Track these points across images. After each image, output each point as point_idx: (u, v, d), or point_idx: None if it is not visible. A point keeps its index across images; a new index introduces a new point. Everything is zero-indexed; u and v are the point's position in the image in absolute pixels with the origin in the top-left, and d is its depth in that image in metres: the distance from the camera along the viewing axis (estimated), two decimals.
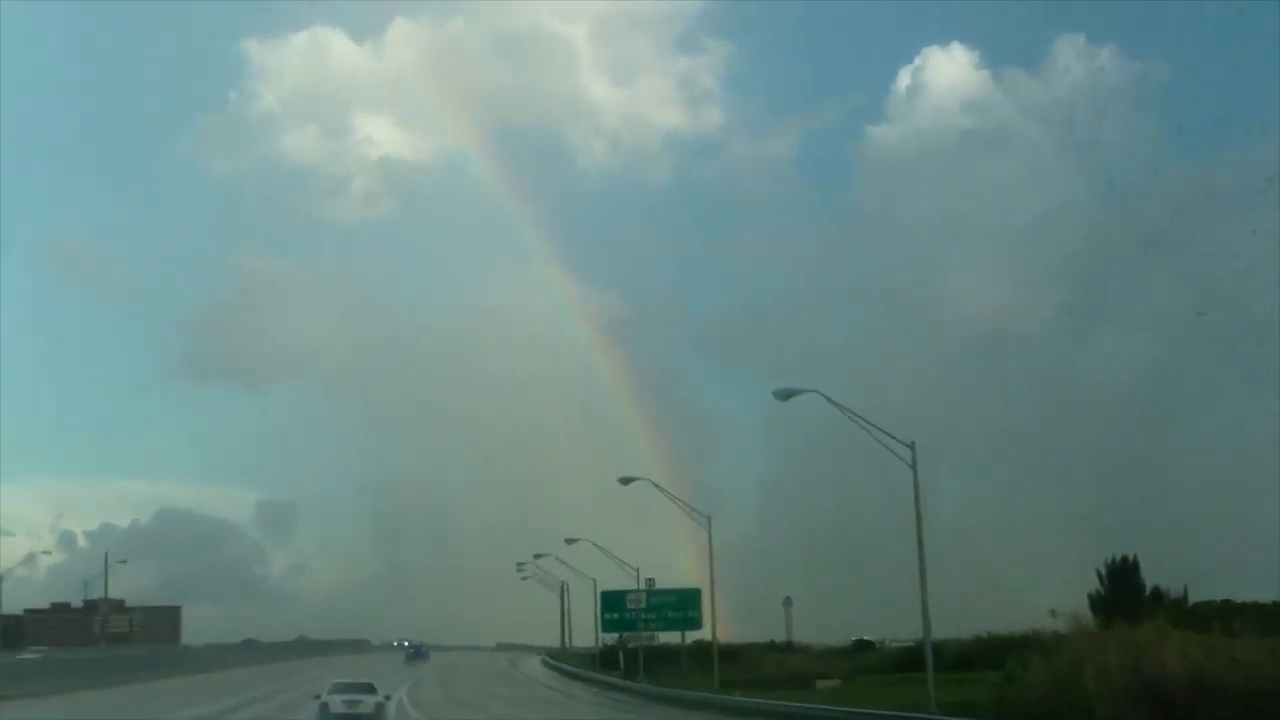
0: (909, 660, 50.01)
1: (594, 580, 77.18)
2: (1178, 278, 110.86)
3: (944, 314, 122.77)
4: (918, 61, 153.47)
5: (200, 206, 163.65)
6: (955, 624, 55.05)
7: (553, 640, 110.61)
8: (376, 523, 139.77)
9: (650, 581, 67.59)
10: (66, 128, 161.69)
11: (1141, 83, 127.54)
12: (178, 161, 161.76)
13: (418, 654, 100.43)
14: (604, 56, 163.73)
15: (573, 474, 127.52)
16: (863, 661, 64.26)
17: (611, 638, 76.11)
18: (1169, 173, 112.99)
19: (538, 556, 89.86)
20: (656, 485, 59.21)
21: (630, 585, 67.33)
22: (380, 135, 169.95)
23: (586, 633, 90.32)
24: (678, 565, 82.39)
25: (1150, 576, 62.99)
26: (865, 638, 76.49)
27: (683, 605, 67.06)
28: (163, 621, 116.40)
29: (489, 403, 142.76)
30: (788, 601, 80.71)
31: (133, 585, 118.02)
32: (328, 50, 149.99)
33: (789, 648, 79.06)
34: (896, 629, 68.18)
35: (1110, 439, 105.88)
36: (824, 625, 75.69)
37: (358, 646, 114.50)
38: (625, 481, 59.96)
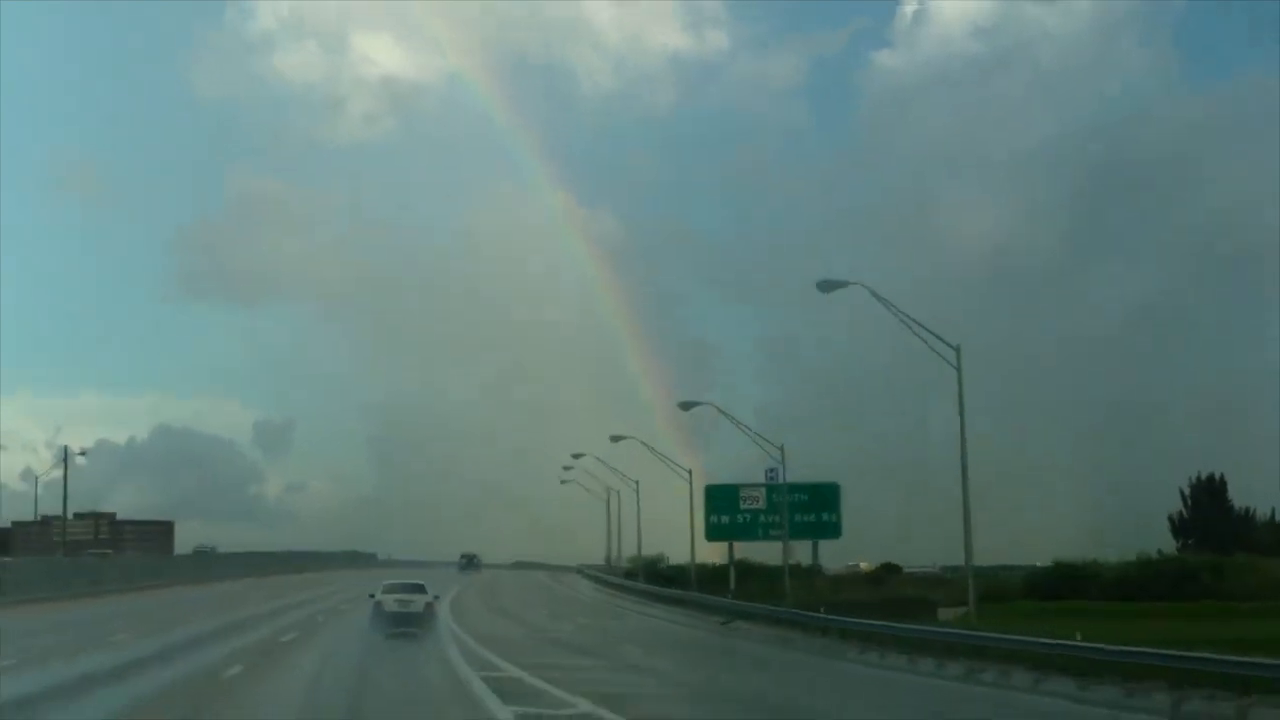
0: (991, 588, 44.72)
1: (637, 482, 71.84)
2: (1186, 203, 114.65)
3: (948, 242, 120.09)
4: None
5: (196, 123, 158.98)
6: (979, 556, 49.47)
7: (563, 558, 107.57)
8: (375, 444, 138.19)
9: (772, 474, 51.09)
10: (65, 39, 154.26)
11: (1151, 6, 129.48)
12: (174, 78, 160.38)
13: (470, 564, 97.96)
14: None
15: (573, 397, 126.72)
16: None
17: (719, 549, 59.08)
18: (1178, 98, 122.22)
19: (576, 456, 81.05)
20: (874, 294, 40.53)
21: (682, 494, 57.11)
22: (379, 55, 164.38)
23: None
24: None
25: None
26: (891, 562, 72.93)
27: (818, 505, 51.84)
28: (155, 536, 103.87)
29: (489, 324, 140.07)
30: None
31: (130, 501, 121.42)
32: None
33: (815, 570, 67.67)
34: (913, 555, 68.00)
35: (1119, 370, 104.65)
36: (836, 551, 67.48)
37: (358, 560, 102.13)
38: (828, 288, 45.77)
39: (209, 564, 74.44)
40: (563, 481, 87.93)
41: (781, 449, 48.58)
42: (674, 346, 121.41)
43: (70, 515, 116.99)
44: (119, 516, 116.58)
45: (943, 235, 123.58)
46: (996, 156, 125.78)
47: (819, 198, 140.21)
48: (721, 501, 53.71)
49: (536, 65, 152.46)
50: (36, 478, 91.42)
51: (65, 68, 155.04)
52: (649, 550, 78.84)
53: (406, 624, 32.21)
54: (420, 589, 34.82)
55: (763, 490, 52.23)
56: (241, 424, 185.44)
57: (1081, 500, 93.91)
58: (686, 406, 54.93)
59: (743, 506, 52.93)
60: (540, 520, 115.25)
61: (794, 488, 50.74)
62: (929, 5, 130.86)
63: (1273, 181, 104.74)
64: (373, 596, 34.16)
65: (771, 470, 50.19)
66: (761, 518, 52.67)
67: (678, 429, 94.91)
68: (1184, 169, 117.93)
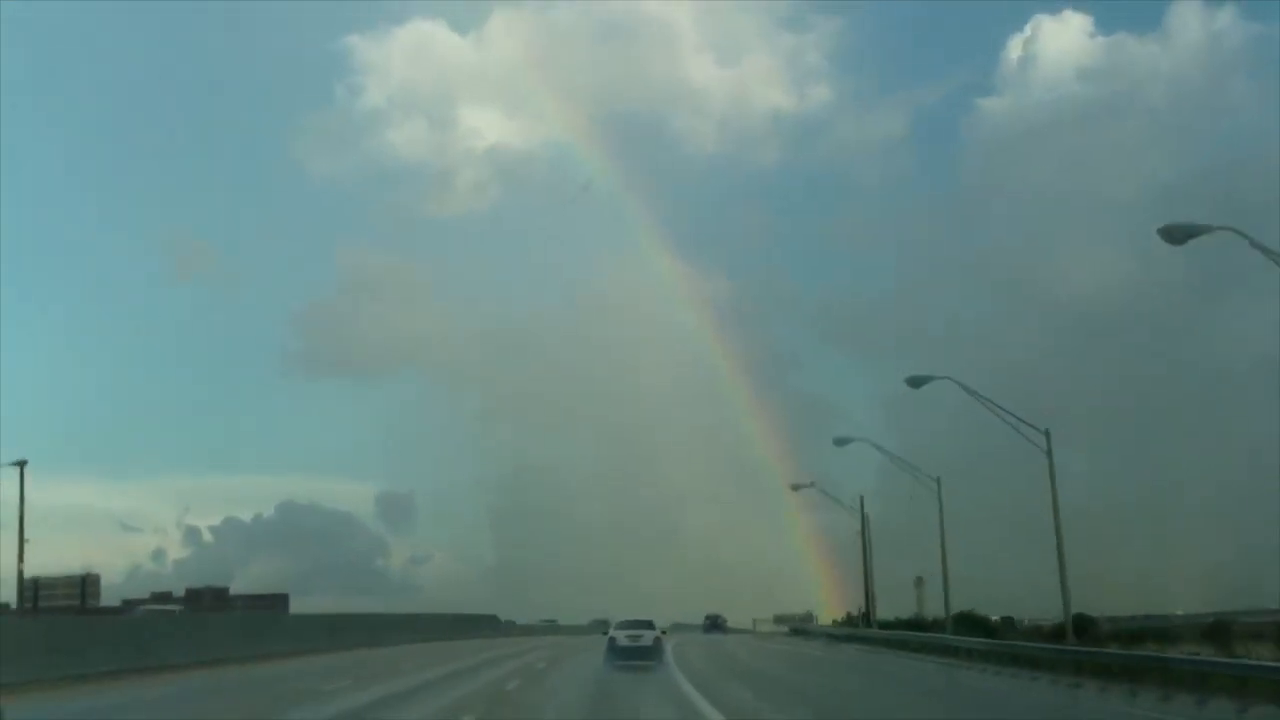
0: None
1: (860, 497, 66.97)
2: None
3: (1059, 291, 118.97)
4: (1028, 30, 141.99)
5: (308, 202, 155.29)
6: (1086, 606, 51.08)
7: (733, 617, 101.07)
8: (495, 512, 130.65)
9: None
10: (179, 126, 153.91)
11: (1263, 44, 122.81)
12: (286, 158, 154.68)
13: (715, 625, 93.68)
14: (708, 37, 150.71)
15: (686, 461, 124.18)
16: None
17: None
18: None
19: (796, 488, 72.71)
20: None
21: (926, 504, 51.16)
22: (485, 126, 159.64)
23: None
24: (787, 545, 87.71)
25: None
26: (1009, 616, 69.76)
27: None
28: (269, 610, 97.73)
29: (602, 388, 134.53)
30: (919, 581, 79.27)
31: (256, 577, 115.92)
32: (430, 43, 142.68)
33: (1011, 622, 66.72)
34: (1023, 608, 67.48)
35: (1245, 418, 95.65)
36: (954, 605, 63.79)
37: (494, 626, 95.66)
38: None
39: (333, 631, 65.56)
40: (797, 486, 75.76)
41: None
42: (788, 404, 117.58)
43: (183, 591, 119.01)
44: (232, 591, 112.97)
45: (1054, 282, 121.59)
46: (1108, 200, 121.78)
47: (927, 248, 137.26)
48: None
49: (640, 128, 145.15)
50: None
51: (179, 151, 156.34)
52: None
53: (638, 657, 35.20)
54: (650, 625, 38.07)
55: None
56: (364, 497, 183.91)
57: (1189, 552, 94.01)
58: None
59: None
60: (683, 579, 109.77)
61: None
62: (1035, 50, 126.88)
63: None
64: (606, 633, 38.27)
65: None
66: None
67: (796, 476, 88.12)
68: None
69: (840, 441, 43.54)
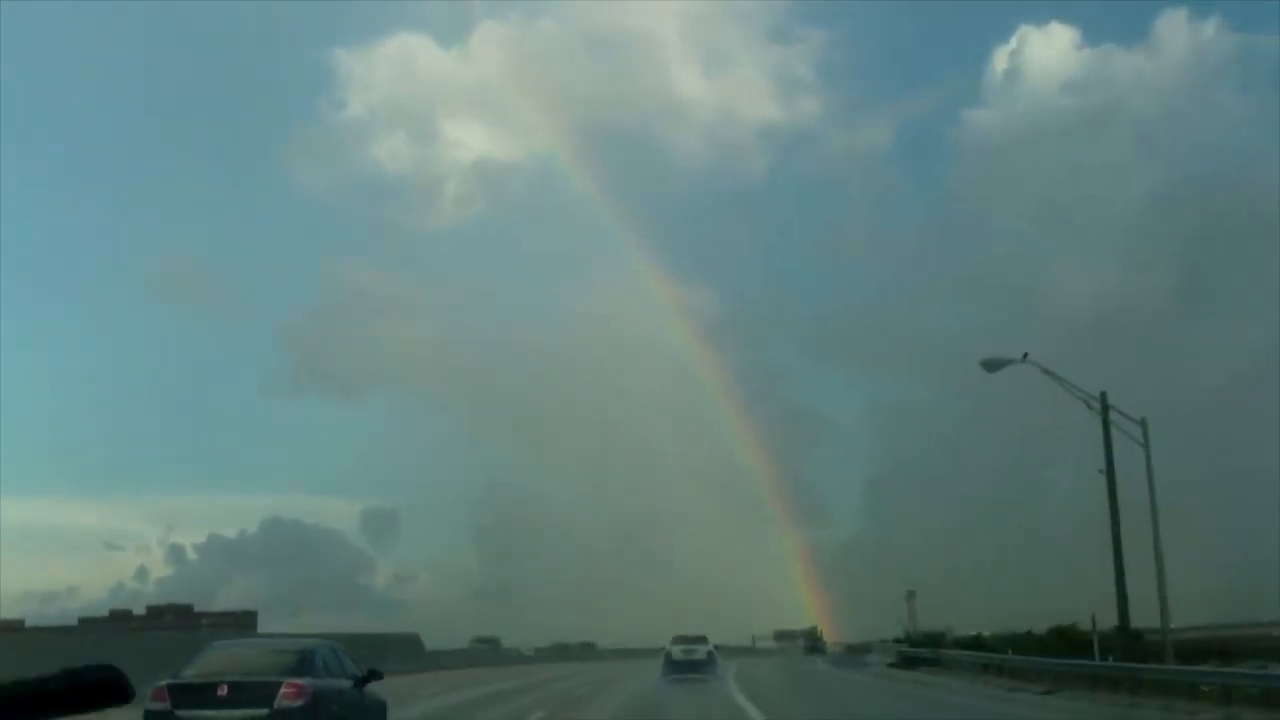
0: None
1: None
2: None
3: (1050, 301, 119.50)
4: (1014, 42, 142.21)
5: (293, 216, 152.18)
6: (1074, 617, 50.74)
7: (730, 636, 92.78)
8: (481, 530, 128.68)
9: None
10: (162, 141, 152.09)
11: (1248, 56, 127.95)
12: (269, 172, 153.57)
13: (815, 647, 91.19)
14: (695, 49, 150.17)
15: (674, 476, 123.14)
16: None
17: None
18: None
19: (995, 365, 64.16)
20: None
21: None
22: (471, 139, 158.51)
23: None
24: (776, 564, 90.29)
25: None
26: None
27: None
28: (235, 629, 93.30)
29: (589, 404, 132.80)
30: (911, 595, 78.61)
31: (240, 595, 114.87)
32: (415, 56, 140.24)
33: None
34: (1020, 621, 63.72)
35: (1231, 433, 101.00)
36: (945, 619, 68.48)
37: (489, 655, 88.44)
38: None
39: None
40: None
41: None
42: (778, 416, 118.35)
43: (144, 610, 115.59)
44: (197, 609, 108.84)
45: (1046, 292, 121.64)
46: (1096, 211, 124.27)
47: (917, 259, 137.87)
48: None
49: (627, 141, 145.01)
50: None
51: (162, 167, 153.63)
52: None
53: (692, 670, 37.08)
54: (704, 640, 40.24)
55: None
56: (349, 514, 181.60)
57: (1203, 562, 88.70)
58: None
59: None
60: (670, 596, 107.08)
61: None
62: (1021, 61, 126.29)
63: None
64: (663, 648, 40.25)
65: None
66: None
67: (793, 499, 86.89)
68: None
69: (991, 365, 32.30)
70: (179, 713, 14.69)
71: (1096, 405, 30.86)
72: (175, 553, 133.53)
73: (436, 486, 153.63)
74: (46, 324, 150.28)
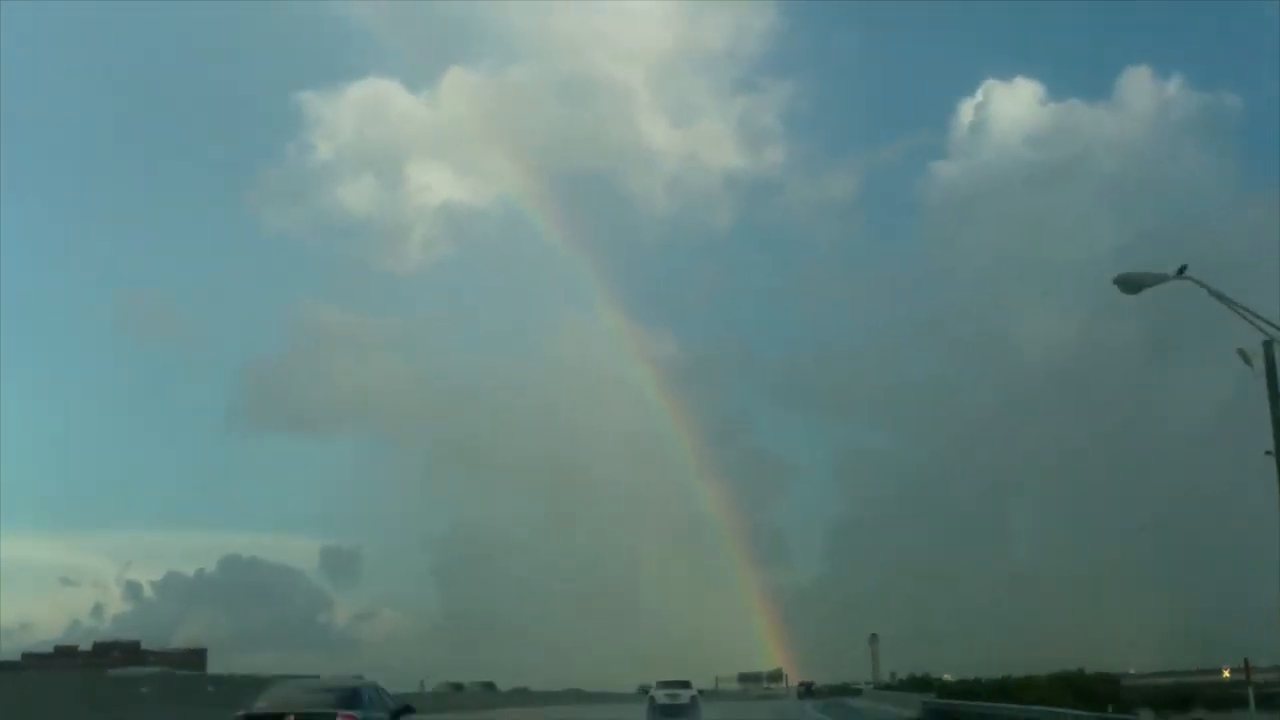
0: None
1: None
2: (1258, 307, 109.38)
3: (1013, 350, 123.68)
4: (980, 96, 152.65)
5: (259, 258, 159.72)
6: (1029, 664, 54.14)
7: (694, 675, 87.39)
8: (441, 570, 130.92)
9: None
10: (127, 181, 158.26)
11: (1211, 112, 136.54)
12: (237, 214, 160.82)
13: (809, 691, 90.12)
14: (662, 99, 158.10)
15: (638, 521, 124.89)
16: None
17: None
18: (1240, 200, 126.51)
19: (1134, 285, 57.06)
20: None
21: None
22: (438, 184, 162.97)
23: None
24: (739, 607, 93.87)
25: None
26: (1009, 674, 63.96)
27: None
28: (184, 668, 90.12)
29: (552, 450, 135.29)
30: (874, 639, 78.64)
31: (198, 633, 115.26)
32: (383, 101, 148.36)
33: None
34: (976, 666, 65.15)
35: (1192, 477, 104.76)
36: (904, 663, 71.19)
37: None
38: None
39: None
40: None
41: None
42: (742, 461, 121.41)
43: (90, 646, 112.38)
44: (144, 646, 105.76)
45: (1010, 343, 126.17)
46: (1059, 263, 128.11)
47: (881, 310, 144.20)
48: None
49: (594, 188, 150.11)
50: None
51: (130, 207, 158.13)
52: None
53: (676, 715, 37.89)
54: (687, 685, 41.14)
55: None
56: (309, 553, 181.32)
57: (1140, 609, 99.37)
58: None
59: None
60: (631, 637, 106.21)
61: None
62: (986, 115, 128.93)
63: None
64: (647, 691, 41.52)
65: None
66: None
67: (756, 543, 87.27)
68: (1247, 271, 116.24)
69: (1131, 284, 23.37)
70: None
71: (1270, 332, 25.35)
72: (133, 589, 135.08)
73: (399, 526, 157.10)
74: (9, 358, 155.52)
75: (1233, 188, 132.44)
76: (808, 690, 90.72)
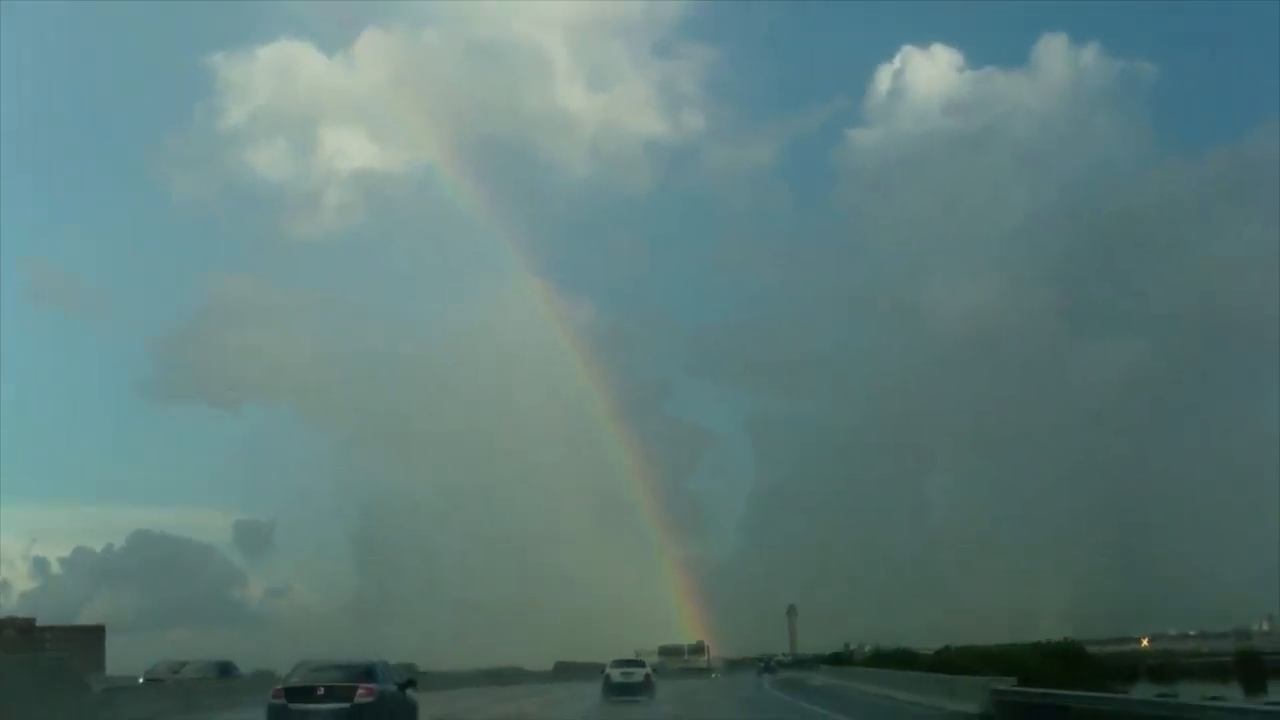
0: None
1: None
2: (1168, 276, 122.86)
3: (931, 317, 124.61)
4: (898, 63, 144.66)
5: (166, 224, 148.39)
6: (954, 634, 55.61)
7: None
8: (356, 543, 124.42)
9: None
10: (29, 143, 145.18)
11: (1126, 81, 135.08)
12: (144, 178, 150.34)
13: (767, 668, 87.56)
14: (580, 63, 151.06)
15: (553, 491, 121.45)
16: None
17: None
18: (1155, 170, 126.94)
19: None
20: None
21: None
22: (352, 148, 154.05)
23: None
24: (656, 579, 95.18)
25: None
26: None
27: None
28: (80, 645, 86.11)
29: (469, 420, 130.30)
30: (792, 610, 78.71)
31: (107, 609, 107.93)
32: (297, 63, 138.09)
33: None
34: (889, 637, 65.58)
35: (1104, 443, 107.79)
36: (825, 634, 71.43)
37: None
38: None
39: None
40: None
41: None
42: (660, 430, 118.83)
43: None
44: (39, 623, 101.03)
45: (927, 311, 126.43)
46: (976, 230, 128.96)
47: (800, 278, 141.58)
48: None
49: (510, 153, 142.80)
50: None
51: (34, 173, 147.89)
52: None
53: (630, 692, 38.87)
54: (641, 664, 43.46)
55: None
56: (221, 528, 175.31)
57: (1055, 577, 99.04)
58: None
59: None
60: (568, 614, 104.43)
61: None
62: (904, 82, 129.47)
63: (1249, 249, 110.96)
64: (604, 670, 42.17)
65: None
66: None
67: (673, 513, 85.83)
68: (1163, 240, 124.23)
69: None
70: (292, 706, 21.15)
71: None
72: (40, 565, 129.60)
73: (313, 500, 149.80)
74: None
75: (1147, 154, 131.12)
76: (766, 666, 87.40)
